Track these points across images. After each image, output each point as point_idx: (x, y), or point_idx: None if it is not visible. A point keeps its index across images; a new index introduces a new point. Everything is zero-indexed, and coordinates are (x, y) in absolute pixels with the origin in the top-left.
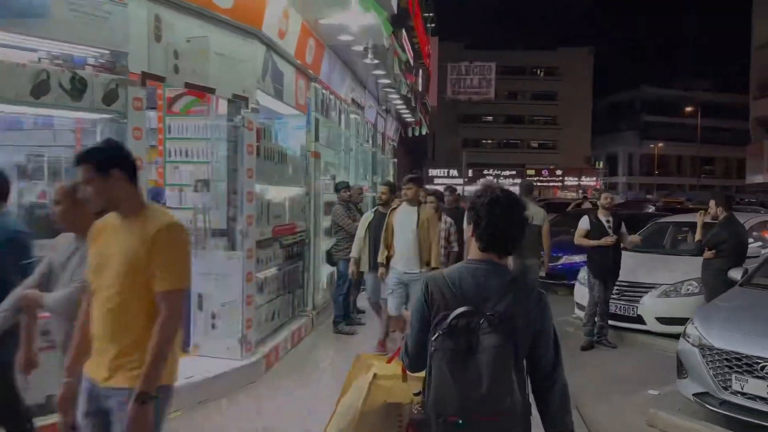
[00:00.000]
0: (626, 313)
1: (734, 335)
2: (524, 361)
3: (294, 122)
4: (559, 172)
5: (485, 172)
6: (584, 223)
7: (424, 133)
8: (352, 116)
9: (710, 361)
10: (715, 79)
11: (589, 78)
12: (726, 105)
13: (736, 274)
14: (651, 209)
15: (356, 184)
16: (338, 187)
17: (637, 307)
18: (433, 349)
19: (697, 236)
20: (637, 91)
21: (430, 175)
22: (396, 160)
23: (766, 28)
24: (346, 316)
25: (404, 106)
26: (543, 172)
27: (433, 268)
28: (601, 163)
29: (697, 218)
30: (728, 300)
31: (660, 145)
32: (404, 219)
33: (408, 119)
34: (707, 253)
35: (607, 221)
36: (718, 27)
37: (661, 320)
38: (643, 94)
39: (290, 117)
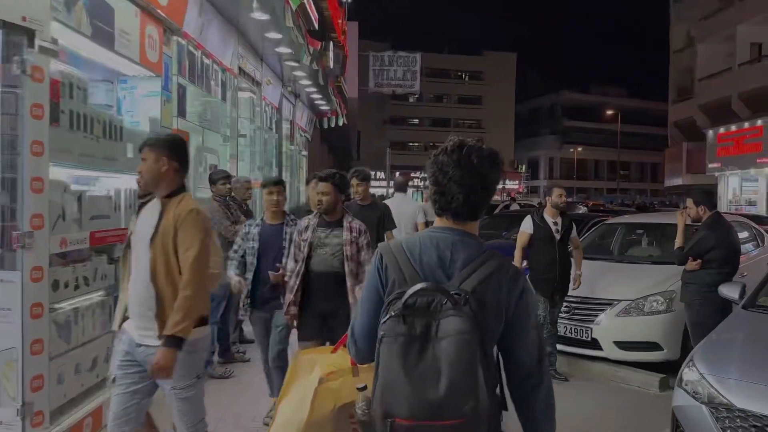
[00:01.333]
0: (578, 336)
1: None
2: (496, 357)
3: (144, 87)
4: None
5: (413, 174)
6: (526, 225)
7: (341, 124)
8: (245, 94)
9: (730, 427)
10: (631, 86)
11: (513, 83)
12: (641, 111)
13: (730, 291)
14: (582, 210)
15: (243, 176)
16: (213, 178)
17: (591, 328)
18: (381, 334)
19: (678, 241)
20: (558, 96)
21: None
22: (307, 153)
23: (683, 33)
24: (223, 352)
25: (314, 89)
26: None
27: (177, 340)
28: (524, 167)
29: (678, 219)
30: (736, 331)
31: (579, 149)
32: (141, 230)
33: (322, 107)
34: (691, 264)
35: (555, 223)
36: (636, 35)
37: (621, 345)
38: (563, 99)
39: (138, 79)
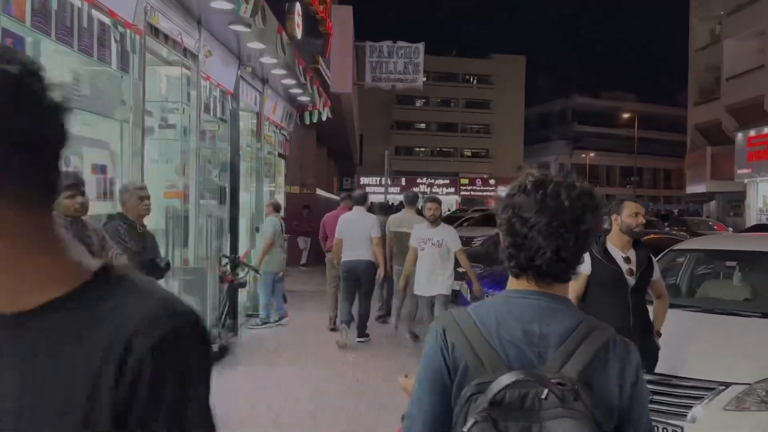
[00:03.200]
0: None
1: None
2: None
3: None
4: (492, 182)
5: (419, 180)
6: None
7: (324, 119)
8: (173, 69)
9: None
10: (644, 90)
11: (522, 86)
12: (654, 116)
13: None
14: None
15: (132, 182)
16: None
17: (681, 428)
18: None
19: None
20: (568, 100)
21: (362, 183)
22: (286, 153)
23: (705, 30)
24: None
25: (282, 70)
26: (476, 181)
27: None
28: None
29: None
30: None
31: (591, 154)
32: None
33: (301, 97)
34: None
35: (626, 259)
36: (650, 37)
37: None
38: (574, 103)
39: None
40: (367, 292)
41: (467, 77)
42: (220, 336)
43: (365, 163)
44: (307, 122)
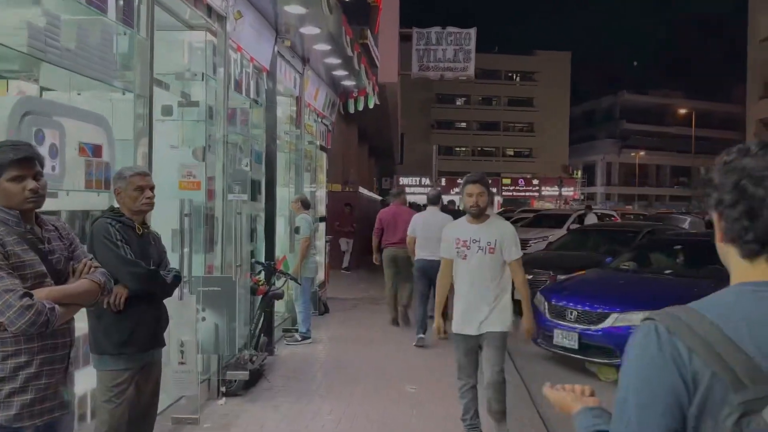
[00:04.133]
0: None
1: None
2: None
3: None
4: (536, 182)
5: (459, 181)
6: None
7: (371, 105)
8: (197, 34)
9: None
10: (694, 87)
11: (567, 83)
12: (707, 113)
13: None
14: (687, 222)
15: (129, 166)
16: None
17: None
18: None
19: None
20: (616, 97)
21: (401, 183)
22: (328, 148)
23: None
24: None
25: (326, 44)
26: (519, 181)
27: None
28: (579, 172)
29: None
30: None
31: (642, 153)
32: None
33: (345, 81)
34: None
35: None
36: (701, 31)
37: None
38: (621, 100)
39: None
40: None
41: (510, 74)
42: (251, 360)
43: (405, 163)
44: (351, 110)
